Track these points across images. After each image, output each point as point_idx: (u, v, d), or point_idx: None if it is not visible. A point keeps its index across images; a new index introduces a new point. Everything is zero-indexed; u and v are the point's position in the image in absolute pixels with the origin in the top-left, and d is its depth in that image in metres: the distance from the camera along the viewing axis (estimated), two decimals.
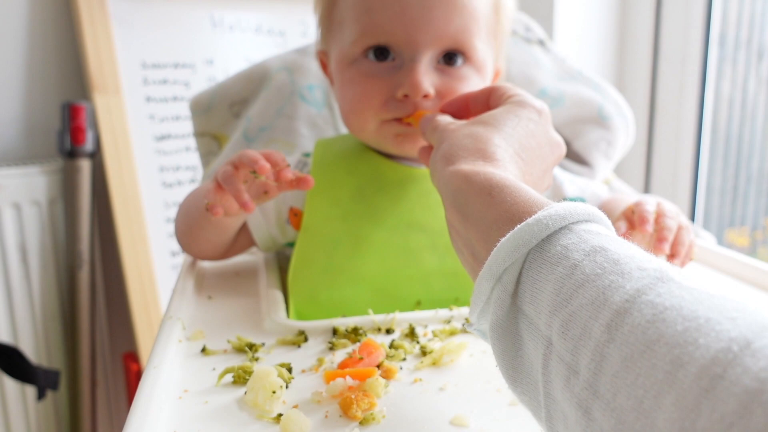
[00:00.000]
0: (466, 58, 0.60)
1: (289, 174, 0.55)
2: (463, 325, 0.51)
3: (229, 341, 0.49)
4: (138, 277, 1.22)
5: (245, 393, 0.41)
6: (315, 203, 0.62)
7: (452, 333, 0.51)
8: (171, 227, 1.27)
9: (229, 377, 0.44)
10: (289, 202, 0.65)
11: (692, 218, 1.58)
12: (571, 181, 0.71)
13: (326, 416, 0.39)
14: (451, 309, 0.55)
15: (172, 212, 1.27)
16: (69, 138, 1.17)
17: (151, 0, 1.25)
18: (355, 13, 0.60)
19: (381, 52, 0.59)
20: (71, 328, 1.21)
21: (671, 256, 0.57)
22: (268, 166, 0.54)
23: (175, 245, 1.27)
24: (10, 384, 1.15)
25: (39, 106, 1.23)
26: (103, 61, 1.20)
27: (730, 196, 2.81)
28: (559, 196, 0.69)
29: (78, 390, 1.21)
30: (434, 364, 0.46)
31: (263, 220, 0.65)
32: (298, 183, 0.56)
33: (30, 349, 1.17)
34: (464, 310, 0.54)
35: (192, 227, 0.62)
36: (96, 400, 1.24)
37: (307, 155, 0.67)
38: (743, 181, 2.77)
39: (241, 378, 0.43)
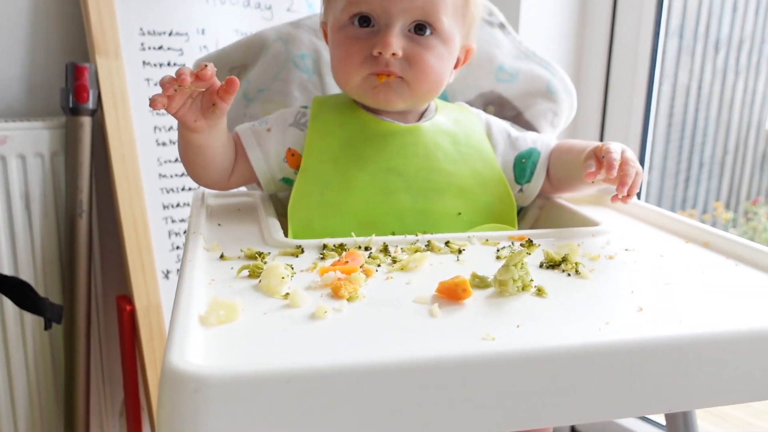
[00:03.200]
0: (434, 29, 0.75)
1: (208, 72, 0.66)
2: None
3: (241, 250, 0.63)
4: (133, 226, 1.34)
5: (259, 281, 0.55)
6: (312, 148, 0.77)
7: (417, 250, 0.65)
8: (164, 182, 1.39)
9: (245, 273, 0.57)
10: (288, 143, 0.79)
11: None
12: (524, 138, 0.86)
13: (321, 296, 0.53)
14: (416, 235, 0.69)
15: (165, 168, 1.39)
16: (73, 96, 1.27)
17: None
18: None
19: (364, 20, 0.75)
20: (69, 271, 1.32)
21: (627, 196, 0.71)
22: (188, 79, 0.65)
23: (167, 198, 1.39)
24: (11, 318, 1.27)
25: (44, 66, 1.33)
26: (105, 27, 1.30)
27: (683, 179, 2.99)
28: (517, 148, 0.85)
29: (74, 327, 1.32)
30: (402, 269, 0.60)
31: (263, 156, 0.79)
32: (228, 86, 0.67)
33: None
34: (428, 236, 0.68)
35: (182, 154, 0.77)
36: (90, 337, 1.36)
37: (305, 107, 0.81)
38: (696, 166, 2.95)
39: (255, 272, 0.57)
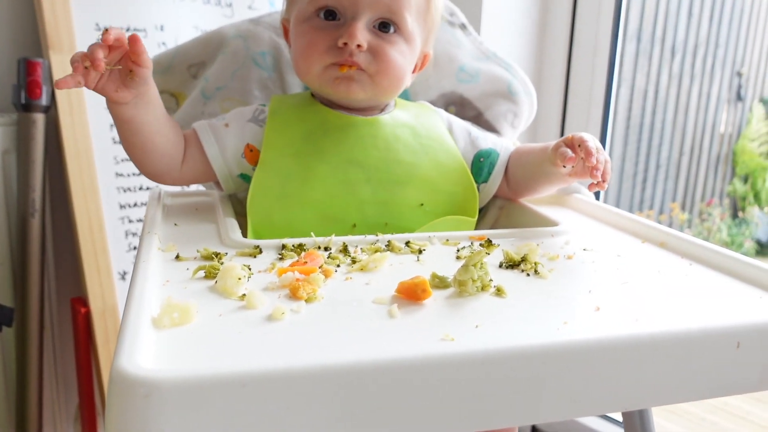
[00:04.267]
0: (398, 27, 0.76)
1: (111, 37, 0.64)
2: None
3: (197, 251, 0.61)
4: (88, 227, 1.30)
5: (215, 282, 0.54)
6: (271, 142, 0.76)
7: (377, 250, 0.64)
8: (120, 181, 1.36)
9: (201, 273, 0.56)
10: (247, 138, 0.78)
11: (596, 192, 1.75)
12: (484, 138, 0.86)
13: (279, 297, 0.52)
14: (377, 236, 0.68)
15: (122, 167, 1.36)
16: (25, 92, 1.23)
17: None
18: None
19: (329, 14, 0.75)
20: (21, 273, 1.28)
21: (602, 182, 0.71)
22: (101, 56, 0.63)
23: (124, 198, 1.36)
24: None
25: None
26: (59, 21, 1.27)
27: (641, 181, 3.04)
28: (476, 147, 0.84)
29: (26, 330, 1.29)
30: (362, 269, 0.59)
31: (220, 152, 0.78)
32: (132, 44, 0.65)
33: None
34: (388, 236, 0.68)
35: (122, 139, 0.74)
36: (43, 341, 1.32)
37: (263, 105, 0.80)
38: (653, 168, 3.01)
39: (211, 273, 0.55)
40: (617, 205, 2.34)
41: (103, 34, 0.63)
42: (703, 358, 0.46)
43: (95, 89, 0.66)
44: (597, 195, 1.76)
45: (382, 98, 0.80)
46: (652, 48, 2.62)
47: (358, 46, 0.73)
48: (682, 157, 2.94)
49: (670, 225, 2.83)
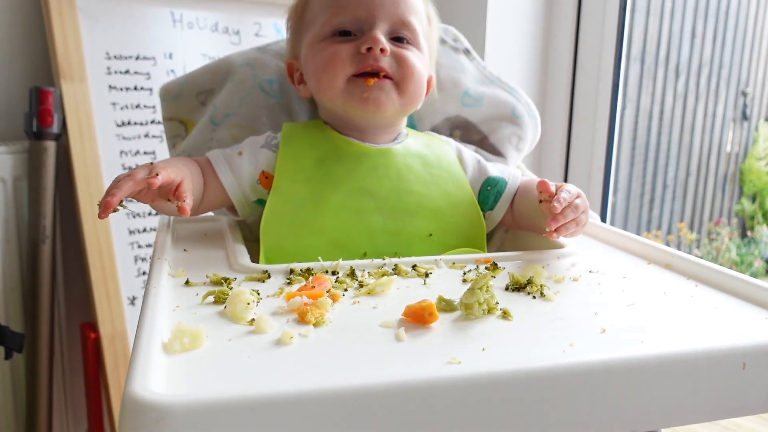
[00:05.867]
0: (409, 39, 0.79)
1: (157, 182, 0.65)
2: None
3: (207, 276, 0.62)
4: (98, 253, 1.31)
5: (225, 307, 0.54)
6: (284, 168, 0.77)
7: (384, 274, 0.65)
8: (130, 206, 1.37)
9: (210, 299, 0.57)
10: (262, 165, 0.79)
11: (604, 211, 1.76)
12: (493, 165, 0.87)
13: (287, 322, 0.52)
14: (384, 259, 0.69)
15: None
16: (37, 120, 1.26)
17: None
18: (324, 5, 0.78)
19: (344, 34, 0.77)
20: (31, 299, 1.30)
21: (555, 231, 0.68)
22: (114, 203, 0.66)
23: (133, 223, 1.37)
24: None
25: (7, 91, 1.32)
26: (70, 51, 1.29)
27: (648, 201, 3.04)
28: (485, 175, 0.85)
29: (36, 356, 1.29)
30: (369, 293, 0.60)
31: (236, 180, 0.78)
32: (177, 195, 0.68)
33: None
34: (395, 260, 0.69)
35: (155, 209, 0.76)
36: (53, 366, 1.32)
37: (275, 133, 0.81)
38: (660, 188, 3.01)
39: (220, 298, 0.56)
40: (625, 226, 2.34)
41: (151, 177, 0.65)
42: (710, 380, 0.46)
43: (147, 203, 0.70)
44: (603, 217, 1.76)
45: (408, 109, 0.81)
46: (657, 69, 2.63)
47: (382, 50, 0.75)
48: (689, 177, 2.94)
49: (678, 245, 2.82)
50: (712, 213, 3.01)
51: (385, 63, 0.76)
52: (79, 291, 1.40)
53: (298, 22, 0.82)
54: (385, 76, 0.76)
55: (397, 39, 0.78)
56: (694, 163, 2.92)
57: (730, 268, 0.64)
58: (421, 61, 0.79)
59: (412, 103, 0.81)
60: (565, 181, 1.72)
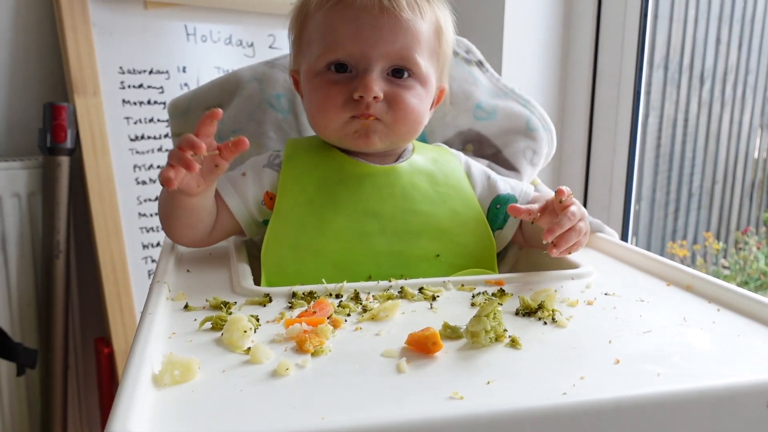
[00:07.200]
0: (411, 72, 0.74)
1: (227, 145, 0.64)
2: None
3: (207, 300, 0.60)
4: (111, 267, 1.31)
5: (221, 334, 0.52)
6: (286, 190, 0.75)
7: (389, 297, 0.62)
8: (143, 221, 1.36)
9: (208, 325, 0.55)
10: (266, 187, 0.77)
11: (625, 226, 1.72)
12: (504, 180, 0.84)
13: (285, 350, 0.50)
14: (390, 281, 0.67)
15: (145, 207, 1.37)
16: (50, 136, 1.26)
17: (129, 10, 1.35)
18: (321, 32, 0.74)
19: (340, 66, 0.73)
20: (46, 314, 1.29)
21: (554, 245, 0.66)
22: (203, 146, 0.62)
23: (146, 238, 1.37)
24: None
25: (22, 106, 1.32)
26: (84, 66, 1.29)
27: (673, 210, 2.99)
28: (494, 192, 0.82)
29: (51, 371, 1.29)
30: (373, 318, 0.57)
31: (241, 202, 0.77)
32: (236, 146, 0.65)
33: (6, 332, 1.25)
34: (401, 282, 0.66)
35: (168, 215, 0.73)
36: (67, 381, 1.32)
37: (278, 151, 0.79)
38: (685, 196, 2.95)
39: (218, 325, 0.54)
40: (649, 236, 2.29)
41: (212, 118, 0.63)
42: (731, 418, 0.43)
43: (179, 184, 0.64)
44: (626, 227, 1.72)
45: (401, 144, 0.79)
46: (680, 76, 2.58)
47: (375, 97, 0.72)
48: (715, 185, 2.88)
49: (704, 254, 2.75)
50: (740, 222, 2.94)
51: (377, 109, 0.73)
52: (92, 306, 1.40)
53: (297, 39, 0.79)
54: (376, 118, 0.73)
55: (396, 71, 0.74)
56: (720, 171, 2.86)
57: (759, 278, 0.61)
58: (420, 96, 0.75)
59: (405, 140, 0.79)
60: (585, 192, 1.68)
